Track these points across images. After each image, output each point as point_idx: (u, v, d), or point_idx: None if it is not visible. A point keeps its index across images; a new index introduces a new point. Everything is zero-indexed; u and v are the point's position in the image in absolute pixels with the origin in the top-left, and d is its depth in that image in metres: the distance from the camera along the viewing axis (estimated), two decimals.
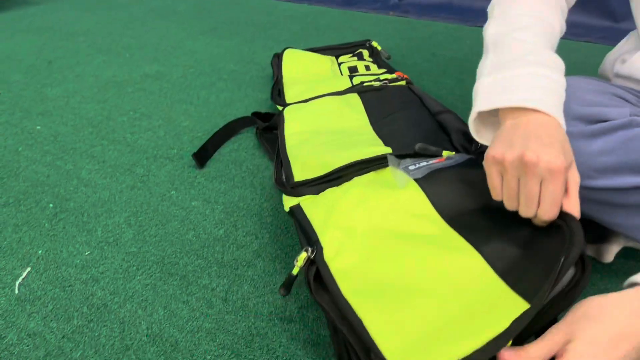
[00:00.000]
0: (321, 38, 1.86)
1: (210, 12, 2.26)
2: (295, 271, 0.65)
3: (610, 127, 0.61)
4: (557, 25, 0.67)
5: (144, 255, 0.82)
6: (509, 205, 0.56)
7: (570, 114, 0.62)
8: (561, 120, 0.56)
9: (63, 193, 0.97)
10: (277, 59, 1.44)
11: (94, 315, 0.71)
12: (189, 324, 0.70)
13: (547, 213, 0.53)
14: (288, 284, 0.66)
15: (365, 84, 1.11)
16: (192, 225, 0.89)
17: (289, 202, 0.79)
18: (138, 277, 0.77)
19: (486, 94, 0.60)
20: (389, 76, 1.16)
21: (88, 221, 0.90)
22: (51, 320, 0.70)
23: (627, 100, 0.68)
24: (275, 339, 0.67)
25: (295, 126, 0.99)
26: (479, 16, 2.02)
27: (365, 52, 1.45)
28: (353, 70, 1.29)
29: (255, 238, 0.85)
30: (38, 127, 1.22)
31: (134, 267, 0.79)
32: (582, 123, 0.62)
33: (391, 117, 0.97)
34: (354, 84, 1.16)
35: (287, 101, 1.18)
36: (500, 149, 0.55)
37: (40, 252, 0.83)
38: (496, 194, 0.57)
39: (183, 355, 0.65)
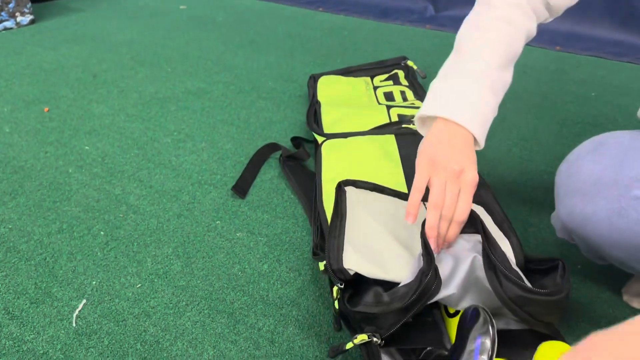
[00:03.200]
0: (358, 52, 1.87)
1: (248, 22, 2.28)
2: (336, 305, 0.68)
3: None
4: (526, 29, 0.73)
5: (192, 289, 0.85)
6: (435, 202, 0.66)
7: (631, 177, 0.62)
8: (479, 138, 0.68)
9: (113, 220, 1.01)
10: (313, 82, 1.45)
11: (147, 352, 0.74)
12: None
13: (462, 215, 0.66)
14: (337, 320, 0.69)
15: (403, 126, 1.12)
16: (238, 258, 0.91)
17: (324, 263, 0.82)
18: (188, 314, 0.81)
19: (431, 100, 0.72)
20: None
21: (138, 251, 0.93)
22: (107, 357, 0.74)
23: None
24: None
25: (334, 171, 1.01)
26: None
27: (401, 73, 1.46)
28: (389, 98, 1.30)
29: (298, 275, 0.88)
30: (86, 148, 1.26)
31: (184, 303, 0.82)
32: None
33: None
34: (392, 118, 1.17)
35: (325, 129, 1.20)
36: (434, 153, 0.68)
37: (94, 282, 0.86)
38: (419, 188, 0.68)
39: None
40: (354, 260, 0.67)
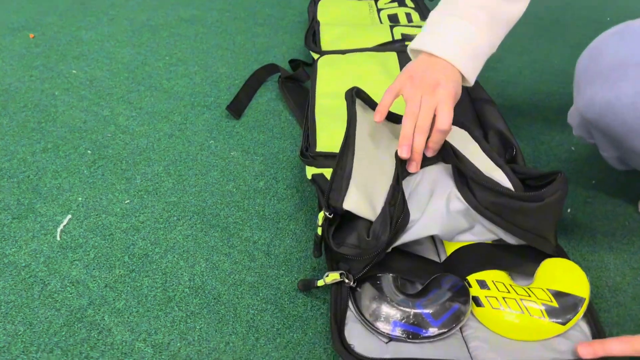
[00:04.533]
0: None
1: None
2: (319, 231, 0.63)
3: None
4: None
5: (184, 205, 0.80)
6: (409, 112, 0.64)
7: None
8: (466, 73, 0.68)
9: (101, 139, 0.96)
10: (313, 5, 1.37)
11: (136, 265, 0.70)
12: (232, 277, 0.68)
13: (444, 124, 0.63)
14: (318, 246, 0.64)
15: (406, 43, 1.05)
16: (232, 176, 0.86)
17: (312, 169, 0.76)
18: (179, 228, 0.76)
19: (423, 33, 0.71)
20: None
21: (127, 169, 0.88)
22: (93, 269, 0.70)
23: None
24: (320, 295, 0.66)
25: (328, 86, 0.94)
26: None
27: None
28: (393, 20, 1.22)
29: (296, 191, 0.83)
30: (74, 71, 1.20)
31: (175, 217, 0.78)
32: None
33: None
34: (394, 36, 1.10)
35: (323, 47, 1.13)
36: (413, 70, 0.68)
37: (80, 199, 0.82)
38: (392, 90, 0.67)
39: (226, 308, 0.64)
40: (353, 202, 0.61)
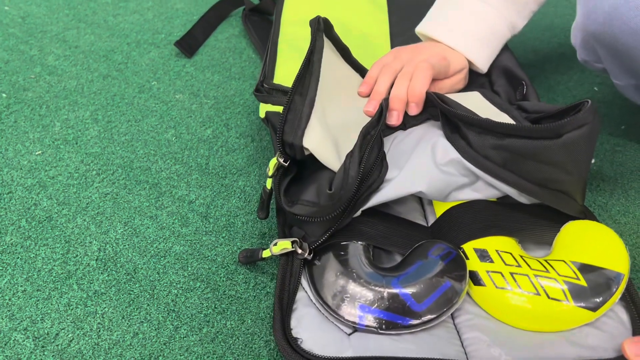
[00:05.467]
0: None
1: None
2: (268, 184, 0.47)
3: None
4: None
5: (108, 157, 0.64)
6: (384, 67, 0.56)
7: None
8: (474, 54, 0.60)
9: (21, 82, 0.79)
10: None
11: (33, 231, 0.54)
12: (154, 245, 0.52)
13: (414, 95, 0.52)
14: (264, 206, 0.48)
15: None
16: (173, 122, 0.70)
17: (267, 107, 0.59)
18: (97, 185, 0.60)
19: (429, 15, 0.65)
20: None
21: (46, 114, 0.72)
22: None
23: None
24: (267, 269, 0.50)
25: (296, 13, 0.77)
26: None
27: None
28: None
29: (251, 140, 0.66)
30: (6, 8, 1.02)
31: (94, 172, 0.62)
32: None
33: (417, 17, 0.72)
34: None
35: None
36: (402, 49, 0.61)
37: None
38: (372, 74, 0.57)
39: (142, 287, 0.48)
40: (315, 140, 0.45)
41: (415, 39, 0.66)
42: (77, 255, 0.52)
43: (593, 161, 0.61)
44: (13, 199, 0.58)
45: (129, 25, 0.95)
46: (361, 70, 0.60)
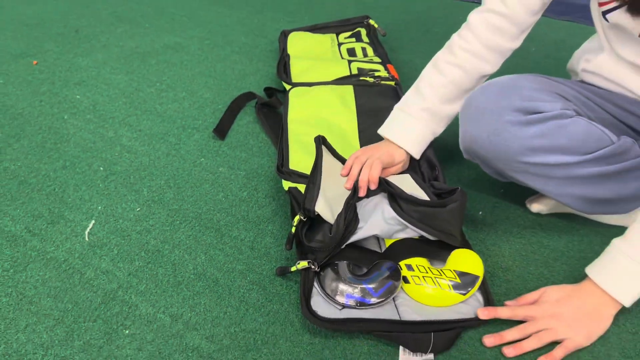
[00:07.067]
0: (324, 8, 2.01)
1: None
2: (292, 230, 0.86)
3: (543, 118, 0.81)
4: (478, 72, 0.96)
5: (184, 212, 1.02)
6: (356, 158, 0.96)
7: (511, 107, 0.81)
8: (412, 152, 0.99)
9: (110, 158, 1.16)
10: (284, 37, 1.60)
11: (151, 258, 0.92)
12: (226, 266, 0.91)
13: (372, 177, 0.90)
14: (290, 241, 0.88)
15: (360, 78, 1.30)
16: (221, 188, 1.08)
17: (287, 183, 0.99)
18: (182, 229, 0.98)
19: (387, 122, 1.02)
20: (382, 74, 1.34)
21: (135, 182, 1.09)
22: (118, 262, 0.91)
23: (565, 98, 0.87)
24: (292, 278, 0.88)
25: (298, 114, 1.18)
26: None
27: (363, 31, 1.62)
28: (351, 54, 1.47)
29: (272, 200, 1.05)
30: (77, 97, 1.40)
31: (178, 222, 1.00)
32: (521, 114, 0.81)
33: (375, 119, 1.15)
34: (352, 71, 1.34)
35: (293, 79, 1.36)
36: (373, 146, 1.01)
37: (99, 207, 1.03)
38: (347, 165, 0.96)
39: (223, 289, 0.87)
40: (321, 207, 0.85)
41: (374, 133, 1.08)
42: (181, 272, 0.89)
43: (480, 212, 1.03)
44: (132, 239, 0.96)
45: (173, 113, 1.34)
46: (341, 160, 1.00)
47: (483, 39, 0.94)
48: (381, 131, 1.02)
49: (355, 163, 0.95)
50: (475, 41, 0.94)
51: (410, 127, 0.99)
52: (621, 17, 0.81)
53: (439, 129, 1.01)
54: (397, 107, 1.02)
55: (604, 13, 0.84)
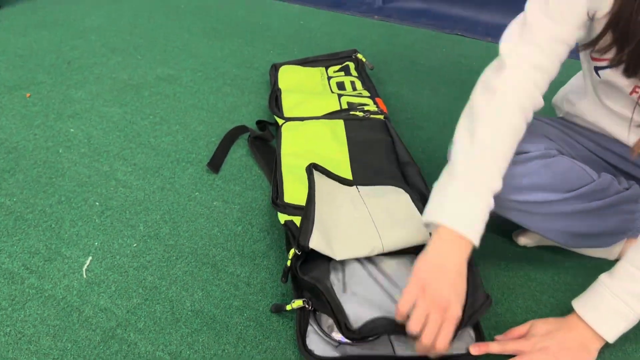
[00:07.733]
0: (313, 41, 2.06)
1: (209, 9, 2.41)
2: (288, 263, 0.89)
3: (527, 158, 0.85)
4: (517, 127, 0.83)
5: (180, 247, 1.04)
6: (414, 326, 0.72)
7: None
8: (472, 237, 0.76)
9: (105, 193, 1.18)
10: (274, 71, 1.64)
11: (149, 295, 0.93)
12: (222, 302, 0.92)
13: (442, 344, 0.72)
14: (285, 274, 0.91)
15: (350, 112, 1.34)
16: (216, 222, 1.11)
17: (283, 216, 1.02)
18: (178, 266, 1.00)
19: (435, 205, 0.81)
20: (371, 108, 1.39)
21: (131, 218, 1.11)
22: (116, 299, 0.92)
23: (549, 138, 0.92)
24: (288, 315, 0.90)
25: (291, 147, 1.21)
26: (455, 23, 2.23)
27: (352, 65, 1.67)
28: (341, 87, 1.52)
29: (267, 234, 1.08)
30: (72, 130, 1.41)
31: (174, 257, 1.01)
32: None
33: (366, 149, 1.19)
34: (342, 105, 1.39)
35: (285, 113, 1.39)
36: (426, 279, 0.75)
37: (96, 243, 1.04)
38: (402, 313, 0.75)
39: (220, 326, 0.88)
40: (316, 241, 0.87)
41: (365, 164, 1.11)
42: (179, 309, 0.91)
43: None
44: (129, 276, 0.97)
45: (167, 146, 1.36)
46: (338, 179, 1.03)
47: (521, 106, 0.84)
48: (433, 216, 0.80)
49: (418, 312, 0.73)
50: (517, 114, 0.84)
51: (471, 208, 0.79)
52: (615, 75, 0.82)
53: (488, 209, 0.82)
54: (439, 191, 0.83)
55: (597, 68, 0.87)
